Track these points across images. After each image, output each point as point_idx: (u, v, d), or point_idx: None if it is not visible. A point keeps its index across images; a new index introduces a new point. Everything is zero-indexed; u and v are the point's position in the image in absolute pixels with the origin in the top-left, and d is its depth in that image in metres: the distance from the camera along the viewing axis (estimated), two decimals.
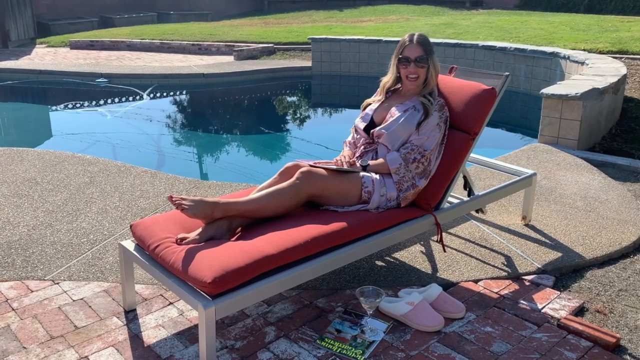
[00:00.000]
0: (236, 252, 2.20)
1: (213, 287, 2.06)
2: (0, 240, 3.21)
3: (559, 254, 3.06)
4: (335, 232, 2.42)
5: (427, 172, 2.76)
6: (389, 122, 2.82)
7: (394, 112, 2.84)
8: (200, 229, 2.39)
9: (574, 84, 5.11)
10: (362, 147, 2.89)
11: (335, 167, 2.67)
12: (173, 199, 2.37)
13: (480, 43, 8.55)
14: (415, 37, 2.83)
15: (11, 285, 2.79)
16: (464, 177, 3.11)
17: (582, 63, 6.68)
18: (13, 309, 2.59)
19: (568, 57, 7.16)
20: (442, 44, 8.75)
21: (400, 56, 2.84)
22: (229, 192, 3.87)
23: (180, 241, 2.33)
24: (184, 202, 2.36)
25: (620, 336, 2.38)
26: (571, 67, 7.06)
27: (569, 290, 2.78)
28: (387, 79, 3.00)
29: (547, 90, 4.90)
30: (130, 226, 2.52)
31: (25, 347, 2.33)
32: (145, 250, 2.40)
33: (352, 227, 2.48)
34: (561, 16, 13.69)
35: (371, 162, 2.78)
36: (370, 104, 3.05)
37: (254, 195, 2.53)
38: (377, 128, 2.84)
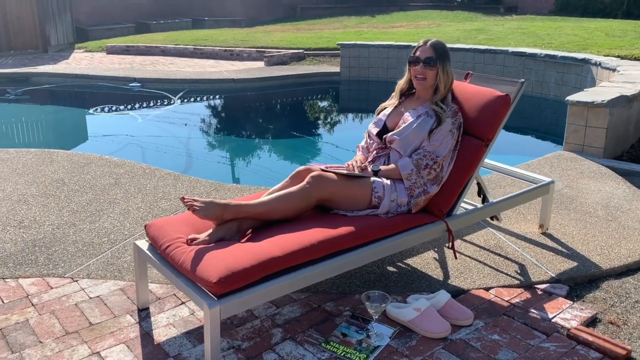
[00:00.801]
0: (243, 254, 2.24)
1: (218, 287, 2.10)
2: (25, 238, 3.33)
3: (575, 264, 3.01)
4: (342, 236, 2.44)
5: (439, 179, 2.76)
6: (401, 127, 2.84)
7: (407, 118, 2.85)
8: (210, 230, 2.44)
9: (601, 91, 5.01)
10: (375, 152, 2.91)
11: (346, 172, 2.70)
12: (185, 200, 2.43)
13: (510, 49, 8.45)
14: (430, 41, 2.85)
15: (33, 281, 2.90)
16: (478, 183, 3.09)
17: (614, 70, 6.54)
18: (33, 305, 2.69)
19: (599, 64, 7.02)
20: (472, 50, 8.67)
21: (412, 56, 2.87)
22: (248, 195, 3.92)
23: (190, 242, 2.39)
24: (195, 203, 2.42)
25: (631, 348, 2.34)
26: (602, 74, 6.93)
27: (583, 301, 2.74)
28: (401, 82, 3.03)
29: (573, 97, 4.82)
30: (145, 226, 2.59)
31: (41, 342, 2.42)
32: (158, 249, 2.46)
33: (359, 231, 2.50)
34: (597, 22, 13.41)
35: (383, 168, 2.79)
36: (385, 108, 3.07)
37: (265, 198, 2.57)
38: (390, 134, 2.86)
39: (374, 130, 2.96)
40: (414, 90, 3.01)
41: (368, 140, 3.02)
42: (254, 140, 7.24)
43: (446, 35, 11.33)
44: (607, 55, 8.06)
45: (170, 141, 6.71)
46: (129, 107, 8.21)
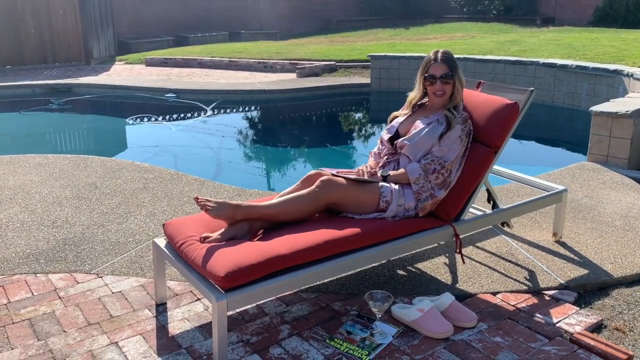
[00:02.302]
0: (251, 251, 2.36)
1: (225, 281, 2.22)
2: (57, 237, 3.53)
3: (586, 271, 3.02)
4: (348, 236, 2.53)
5: (446, 184, 2.83)
6: (412, 133, 2.92)
7: (418, 125, 2.93)
8: (222, 229, 2.57)
9: (627, 102, 4.98)
10: (385, 157, 3.00)
11: (355, 176, 2.79)
12: (198, 200, 2.56)
13: (541, 60, 8.41)
14: (439, 55, 2.92)
15: (61, 277, 3.08)
16: (487, 190, 3.14)
17: None
18: (59, 298, 2.87)
19: (631, 75, 6.93)
20: (502, 62, 8.65)
21: (427, 74, 2.93)
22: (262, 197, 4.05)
23: (203, 240, 2.52)
24: (208, 203, 2.55)
25: (633, 354, 2.35)
26: (635, 85, 6.83)
27: (591, 307, 2.75)
28: (413, 95, 3.10)
29: (596, 107, 4.80)
30: (163, 225, 2.74)
31: (65, 331, 2.58)
32: (174, 247, 2.60)
33: (365, 233, 2.59)
34: (636, 33, 13.15)
35: (392, 173, 2.88)
36: (397, 116, 3.15)
37: (275, 200, 2.69)
38: (401, 139, 2.94)
39: (386, 136, 3.05)
40: (426, 100, 3.09)
41: (380, 146, 3.11)
42: (282, 149, 7.39)
43: (479, 47, 11.31)
44: None
45: (201, 149, 6.92)
46: (165, 117, 8.49)
